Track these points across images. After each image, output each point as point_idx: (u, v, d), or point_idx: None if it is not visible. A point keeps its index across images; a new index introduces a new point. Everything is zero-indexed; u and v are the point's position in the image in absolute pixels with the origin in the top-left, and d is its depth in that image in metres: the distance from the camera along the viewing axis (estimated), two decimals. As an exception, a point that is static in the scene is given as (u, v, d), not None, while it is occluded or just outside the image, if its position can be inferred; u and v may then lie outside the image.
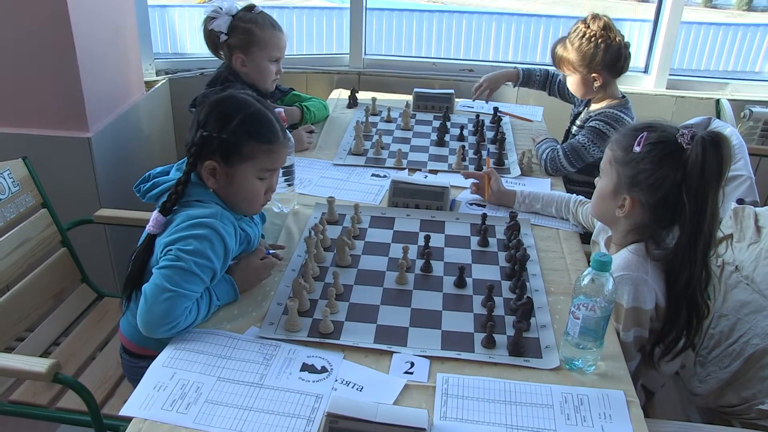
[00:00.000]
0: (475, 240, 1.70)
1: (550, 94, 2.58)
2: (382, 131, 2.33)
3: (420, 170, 2.11)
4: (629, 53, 2.17)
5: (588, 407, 1.16)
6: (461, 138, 2.35)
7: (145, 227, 1.39)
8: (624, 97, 2.24)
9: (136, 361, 1.51)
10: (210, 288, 1.34)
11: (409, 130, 2.42)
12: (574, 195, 1.86)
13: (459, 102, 2.71)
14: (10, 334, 1.70)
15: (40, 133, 2.23)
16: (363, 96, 2.70)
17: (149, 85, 2.78)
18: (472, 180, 1.97)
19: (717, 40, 6.29)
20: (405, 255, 1.53)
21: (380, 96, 2.68)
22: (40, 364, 1.35)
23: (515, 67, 2.56)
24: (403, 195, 1.84)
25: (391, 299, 1.44)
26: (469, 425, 1.11)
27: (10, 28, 2.10)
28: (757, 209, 1.71)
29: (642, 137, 1.39)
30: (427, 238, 1.60)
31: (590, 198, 1.62)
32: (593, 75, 2.16)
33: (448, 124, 2.41)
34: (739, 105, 2.94)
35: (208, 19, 2.15)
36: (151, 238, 1.38)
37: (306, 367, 1.22)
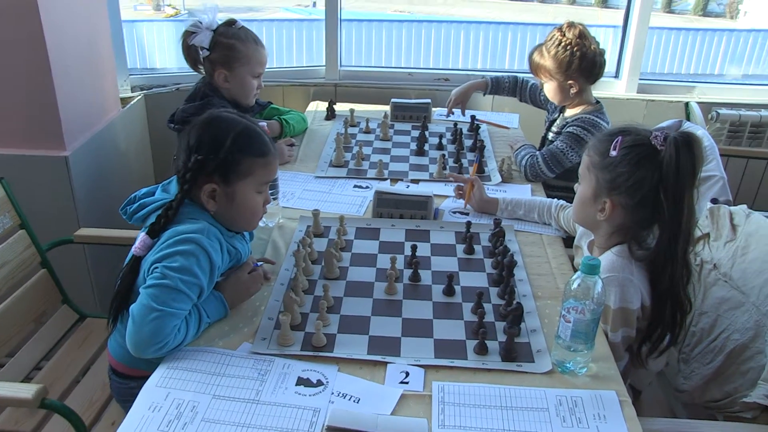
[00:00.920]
0: (460, 248, 1.72)
1: (521, 100, 2.62)
2: (362, 142, 2.34)
3: (402, 180, 2.12)
4: (604, 60, 2.22)
5: (582, 409, 1.17)
6: (440, 147, 2.37)
7: (126, 245, 1.38)
8: (598, 102, 2.28)
9: (126, 382, 1.49)
10: (198, 305, 1.34)
11: (388, 140, 2.44)
12: (555, 200, 1.89)
13: (436, 111, 2.74)
14: (-11, 361, 1.67)
15: (16, 152, 2.19)
16: (340, 107, 2.71)
17: (125, 101, 2.76)
18: (455, 185, 1.99)
19: (679, 43, 6.46)
20: (393, 265, 1.54)
21: (358, 107, 2.69)
22: (25, 390, 1.32)
23: (483, 77, 2.60)
24: (387, 206, 1.85)
25: (382, 310, 1.45)
26: (468, 432, 1.12)
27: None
28: (732, 208, 1.76)
29: (617, 141, 1.42)
30: (414, 248, 1.61)
31: (571, 202, 1.65)
32: (569, 82, 2.20)
33: (427, 133, 2.43)
34: (706, 107, 3.02)
35: (188, 34, 2.13)
36: (137, 259, 1.36)
37: (301, 381, 1.22)
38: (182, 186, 1.38)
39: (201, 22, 2.13)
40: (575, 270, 1.59)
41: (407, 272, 1.58)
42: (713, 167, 2.18)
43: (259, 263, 1.52)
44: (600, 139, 1.50)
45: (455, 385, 1.22)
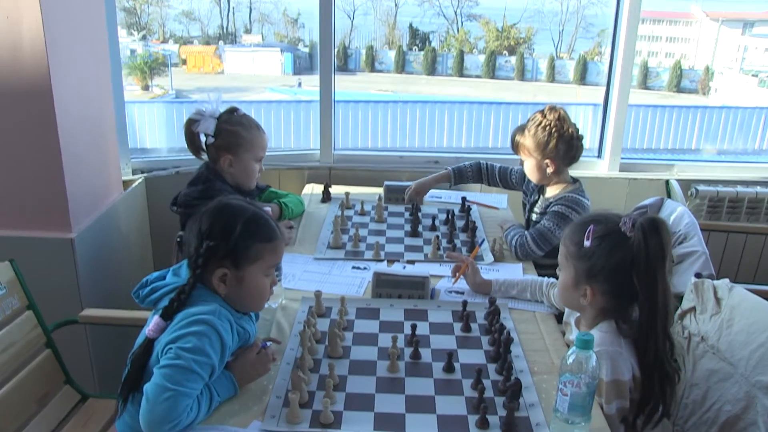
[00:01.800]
0: (458, 326, 1.80)
1: (489, 185, 2.75)
2: (358, 224, 2.46)
3: (398, 261, 2.22)
4: (581, 144, 2.37)
5: (583, 480, 1.23)
6: (434, 228, 2.49)
7: (129, 326, 1.44)
8: (576, 180, 2.42)
9: (137, 464, 1.53)
10: (210, 384, 1.40)
11: (383, 222, 2.55)
12: (546, 278, 2.00)
13: (428, 193, 2.85)
14: (-9, 446, 1.69)
15: (23, 234, 2.27)
16: (335, 190, 2.84)
17: (126, 184, 2.87)
18: (454, 264, 2.10)
19: (656, 119, 6.78)
20: (394, 344, 1.62)
21: (352, 189, 2.82)
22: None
23: (446, 168, 2.74)
24: (386, 286, 1.95)
25: (386, 387, 1.51)
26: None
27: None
28: (715, 282, 1.85)
29: (590, 231, 1.54)
30: (414, 327, 1.70)
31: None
32: (546, 161, 2.35)
33: (420, 214, 2.55)
34: (686, 184, 3.18)
35: (192, 122, 2.25)
36: (150, 341, 1.43)
37: (312, 458, 1.27)
38: (194, 271, 1.46)
39: (204, 110, 2.27)
40: (568, 345, 1.68)
41: (408, 350, 1.65)
42: (695, 243, 2.30)
43: (266, 343, 1.59)
44: (574, 229, 1.62)
45: (460, 459, 1.28)
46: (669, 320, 1.54)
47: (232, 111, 2.31)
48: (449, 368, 1.58)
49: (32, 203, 2.28)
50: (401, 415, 1.42)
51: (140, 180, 2.96)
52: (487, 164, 2.72)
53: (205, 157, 2.32)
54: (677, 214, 2.36)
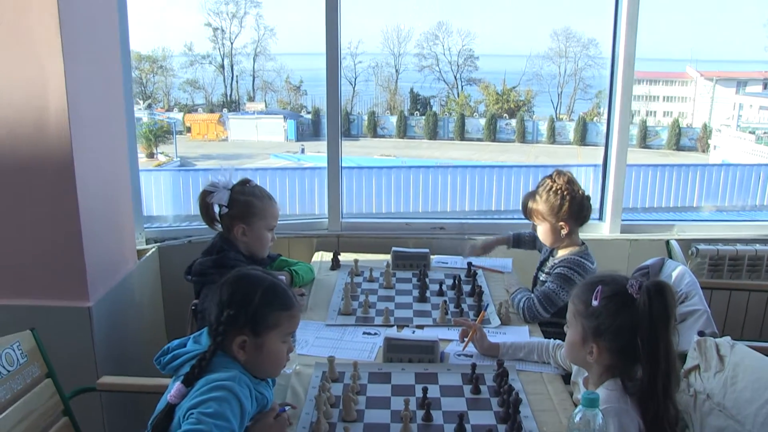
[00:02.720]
0: (467, 388, 1.87)
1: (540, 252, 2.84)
2: (367, 291, 2.55)
3: (407, 326, 2.30)
4: (590, 204, 2.50)
5: None
6: (441, 293, 2.57)
7: (147, 393, 1.51)
8: (584, 243, 2.52)
9: None
10: None
11: (391, 288, 2.64)
12: (552, 340, 2.08)
13: (434, 258, 2.97)
14: None
15: (43, 303, 2.36)
16: (344, 257, 2.93)
17: (140, 253, 2.97)
18: (460, 329, 2.17)
19: (657, 178, 6.92)
20: (407, 407, 1.68)
21: (360, 256, 2.92)
22: None
23: (508, 233, 2.90)
24: (396, 351, 2.02)
25: (400, 450, 1.58)
26: None
27: (21, 205, 2.30)
28: (717, 340, 1.91)
29: (598, 291, 1.63)
30: (425, 390, 1.77)
31: (564, 339, 1.83)
32: (560, 223, 2.45)
33: (427, 280, 2.64)
34: (686, 244, 3.27)
35: (206, 193, 2.37)
36: (172, 407, 1.51)
37: None
38: (215, 338, 1.54)
39: (217, 183, 2.39)
40: (575, 405, 1.74)
41: (420, 413, 1.72)
42: (696, 302, 2.37)
43: (284, 408, 1.66)
44: (583, 289, 1.70)
45: None
46: (673, 382, 1.59)
47: (245, 182, 2.44)
48: (460, 430, 1.65)
49: (51, 273, 2.37)
50: (416, 476, 1.47)
51: (154, 249, 3.07)
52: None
53: (219, 227, 2.43)
54: (678, 273, 2.44)
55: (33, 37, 2.17)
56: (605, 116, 3.51)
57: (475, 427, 1.67)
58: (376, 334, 2.24)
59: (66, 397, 2.00)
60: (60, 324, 2.36)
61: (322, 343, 2.17)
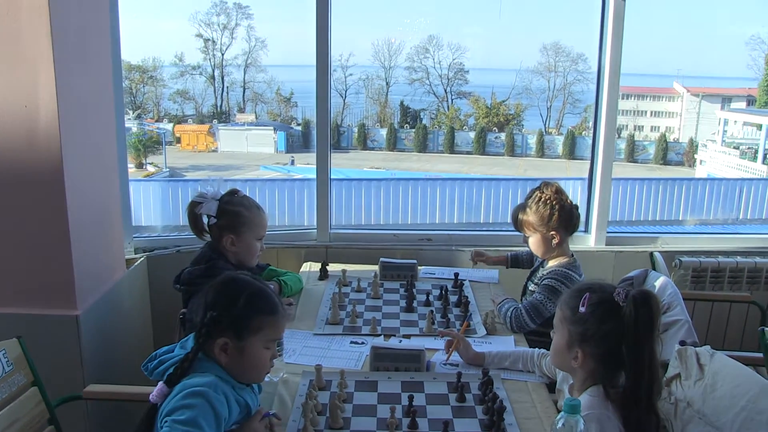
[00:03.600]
0: (453, 397, 1.90)
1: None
2: (355, 301, 2.58)
3: (394, 335, 2.33)
4: (579, 213, 2.55)
5: None
6: (428, 303, 2.60)
7: (134, 401, 1.52)
8: (573, 255, 2.56)
9: None
10: None
11: (378, 298, 2.67)
12: (537, 349, 2.11)
13: (422, 269, 3.00)
14: None
15: (30, 311, 2.36)
16: (332, 267, 2.95)
17: (129, 262, 2.97)
18: (445, 339, 2.19)
19: (643, 192, 7.01)
20: (392, 415, 1.71)
21: (348, 267, 2.94)
22: None
23: (506, 254, 2.98)
24: (383, 360, 2.05)
25: (385, 457, 1.60)
26: None
27: (9, 213, 2.31)
28: (697, 349, 1.95)
29: (585, 298, 1.67)
30: (411, 398, 1.79)
31: (549, 349, 1.86)
32: (551, 233, 2.49)
33: (414, 290, 2.67)
34: (670, 256, 3.32)
35: (195, 204, 2.39)
36: (153, 408, 1.52)
37: None
38: (198, 339, 1.56)
39: (206, 193, 2.41)
40: (559, 412, 1.77)
41: (405, 421, 1.74)
42: (678, 312, 2.42)
43: (269, 412, 1.67)
44: (571, 295, 1.74)
45: None
46: (655, 390, 1.63)
47: (233, 192, 2.46)
48: (446, 437, 1.67)
49: (40, 281, 2.38)
50: (401, 482, 1.50)
51: (142, 259, 3.08)
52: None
53: (207, 237, 2.45)
54: (661, 284, 2.48)
55: (24, 44, 2.19)
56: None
57: (459, 435, 1.70)
58: (363, 343, 2.26)
59: (52, 405, 1.99)
60: (48, 332, 2.36)
61: (309, 351, 2.19)
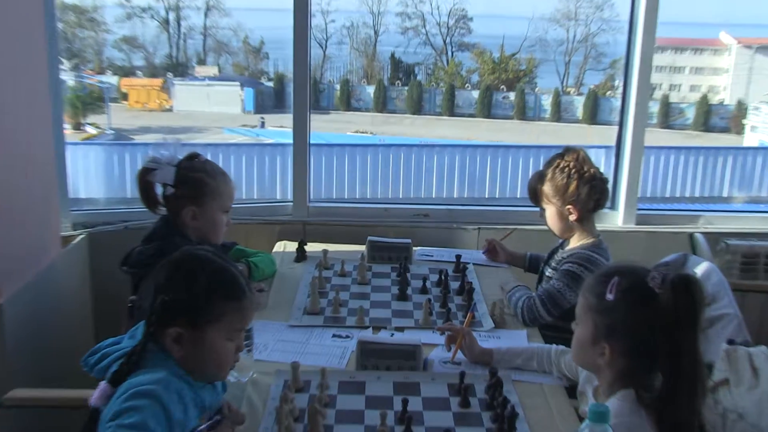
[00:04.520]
0: (455, 401, 1.88)
1: None
2: (338, 287, 2.55)
3: (385, 328, 2.32)
4: (606, 188, 2.52)
5: None
6: (425, 291, 2.59)
7: (65, 408, 1.49)
8: (599, 236, 2.54)
9: None
10: None
11: (366, 284, 2.66)
12: (554, 345, 2.10)
13: (417, 250, 2.99)
14: None
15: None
16: (311, 248, 2.94)
17: (65, 240, 2.94)
18: (446, 334, 2.18)
19: (680, 164, 6.98)
20: (383, 421, 1.69)
21: (331, 247, 2.92)
22: None
23: (524, 253, 2.94)
24: (372, 357, 2.03)
25: (375, 471, 1.59)
26: None
27: None
28: (750, 350, 1.94)
29: (613, 283, 1.64)
30: (405, 402, 1.77)
31: (570, 346, 1.85)
32: (568, 207, 2.47)
33: (409, 275, 2.66)
34: (714, 238, 3.31)
35: (146, 171, 2.32)
36: (95, 413, 1.50)
37: None
38: (148, 328, 1.53)
39: (160, 158, 2.36)
40: (581, 420, 1.77)
41: (398, 429, 1.73)
42: (725, 305, 2.40)
43: (216, 417, 1.63)
44: (596, 280, 1.71)
45: None
46: (700, 393, 1.60)
47: (193, 157, 2.41)
48: (447, 449, 1.66)
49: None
50: (393, 502, 1.49)
51: (82, 236, 3.04)
52: None
53: (162, 210, 2.41)
54: (703, 271, 2.46)
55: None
56: (620, 90, 3.54)
57: (463, 446, 1.69)
58: (348, 337, 2.24)
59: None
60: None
61: (284, 347, 2.17)
